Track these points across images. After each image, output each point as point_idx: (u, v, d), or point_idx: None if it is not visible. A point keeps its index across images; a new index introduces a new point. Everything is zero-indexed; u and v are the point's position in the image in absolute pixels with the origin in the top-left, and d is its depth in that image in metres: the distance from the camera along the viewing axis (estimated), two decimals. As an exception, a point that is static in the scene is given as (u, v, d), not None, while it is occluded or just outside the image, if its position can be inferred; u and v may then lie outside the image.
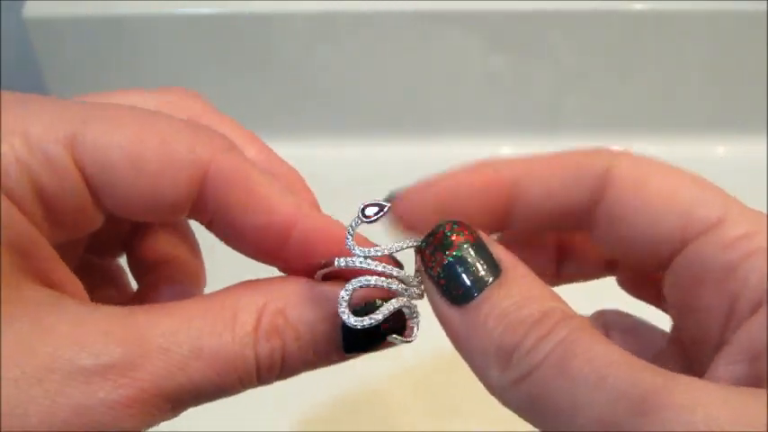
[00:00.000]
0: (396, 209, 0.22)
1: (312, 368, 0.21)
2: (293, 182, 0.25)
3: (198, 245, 0.28)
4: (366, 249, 0.20)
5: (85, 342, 0.17)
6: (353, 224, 0.20)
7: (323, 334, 0.20)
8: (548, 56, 0.53)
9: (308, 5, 0.51)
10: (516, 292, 0.19)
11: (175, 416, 0.19)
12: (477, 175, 0.23)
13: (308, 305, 0.20)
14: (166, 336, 0.18)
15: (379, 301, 0.20)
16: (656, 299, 0.25)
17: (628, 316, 0.26)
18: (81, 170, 0.19)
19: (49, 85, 0.54)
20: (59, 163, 0.19)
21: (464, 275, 0.19)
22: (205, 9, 0.51)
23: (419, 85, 0.55)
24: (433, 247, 0.20)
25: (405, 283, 0.20)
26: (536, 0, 0.51)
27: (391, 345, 0.21)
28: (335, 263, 0.20)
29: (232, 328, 0.19)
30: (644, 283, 0.25)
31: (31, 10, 0.51)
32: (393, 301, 0.20)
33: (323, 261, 0.20)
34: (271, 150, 0.25)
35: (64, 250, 0.20)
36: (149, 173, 0.19)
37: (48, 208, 0.19)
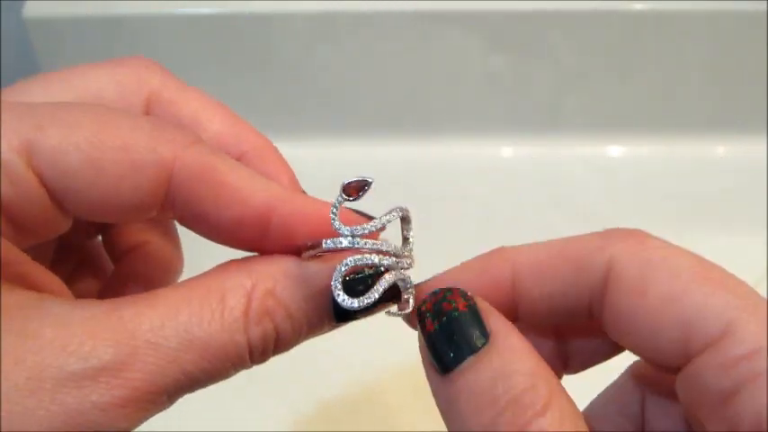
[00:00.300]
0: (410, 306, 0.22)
1: (305, 340, 0.21)
2: (265, 156, 0.24)
3: (174, 226, 0.27)
4: (353, 228, 0.19)
5: (73, 346, 0.17)
6: (336, 203, 0.19)
7: (315, 309, 0.20)
8: (548, 56, 0.53)
9: (308, 5, 0.51)
10: (498, 365, 0.18)
11: (171, 405, 0.19)
12: (485, 274, 0.21)
13: (297, 284, 0.20)
14: (154, 330, 0.18)
15: (367, 271, 0.20)
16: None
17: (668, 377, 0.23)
18: (39, 177, 0.18)
19: (48, 85, 0.54)
20: (15, 171, 0.18)
21: (448, 344, 0.18)
22: (205, 9, 0.51)
23: (419, 85, 0.55)
24: (426, 314, 0.19)
25: (396, 256, 0.20)
26: (536, 0, 0.51)
27: (384, 309, 0.21)
28: (323, 244, 0.19)
29: (221, 314, 0.19)
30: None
31: (31, 10, 0.51)
32: (386, 276, 0.19)
33: (309, 243, 0.20)
34: (237, 119, 0.24)
35: (37, 246, 0.20)
36: (110, 176, 0.19)
37: (9, 217, 0.19)
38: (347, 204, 0.19)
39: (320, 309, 0.20)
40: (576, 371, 0.24)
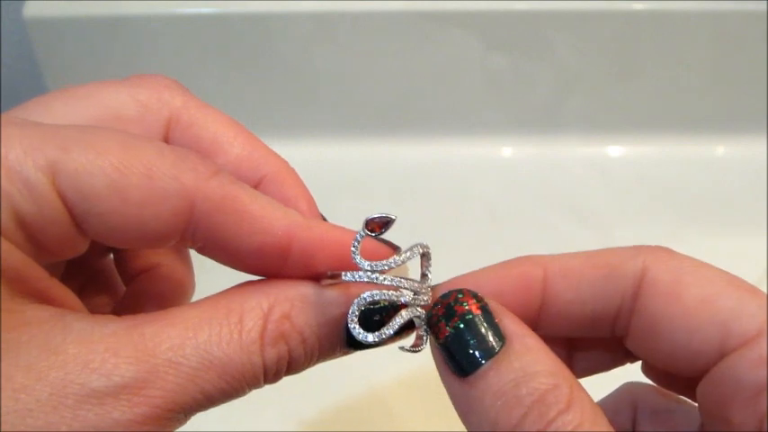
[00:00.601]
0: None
1: (316, 364, 0.21)
2: (284, 181, 0.24)
3: (187, 250, 0.27)
4: (373, 264, 0.19)
5: (95, 363, 0.17)
6: (358, 237, 0.20)
7: (328, 336, 0.20)
8: (548, 56, 0.53)
9: (307, 5, 0.51)
10: (519, 366, 0.18)
11: (186, 422, 0.19)
12: (514, 272, 0.22)
13: (313, 309, 0.20)
14: (175, 349, 0.18)
15: (384, 302, 0.20)
16: (686, 391, 0.23)
17: (663, 395, 0.24)
18: (62, 198, 0.19)
19: (48, 85, 0.54)
20: (40, 190, 0.18)
21: (465, 347, 0.18)
22: (205, 9, 0.51)
23: (419, 85, 0.55)
24: (437, 317, 0.19)
25: (414, 292, 0.20)
26: (536, 0, 0.51)
27: (397, 341, 0.21)
28: (342, 277, 0.20)
29: (239, 335, 0.19)
30: (674, 379, 0.23)
31: (31, 10, 0.51)
32: (403, 312, 0.20)
33: (329, 273, 0.20)
34: (257, 142, 0.24)
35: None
36: (133, 203, 0.19)
37: (29, 234, 0.19)
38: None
39: (333, 336, 0.20)
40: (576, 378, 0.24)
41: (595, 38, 0.52)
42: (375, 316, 0.20)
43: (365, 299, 0.19)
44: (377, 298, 0.19)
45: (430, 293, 0.20)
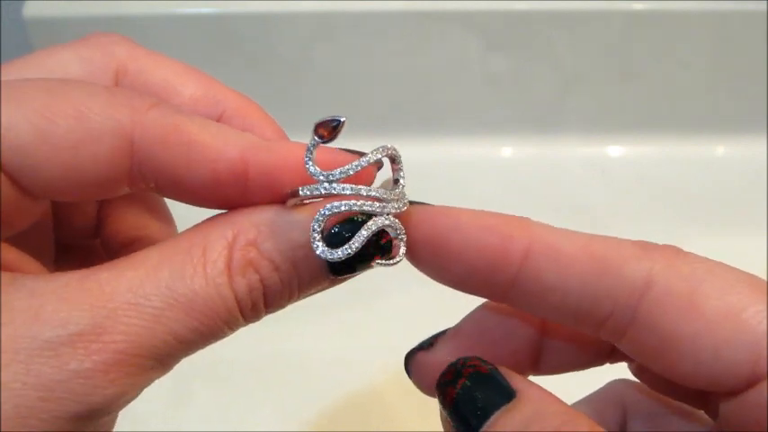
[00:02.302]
0: (419, 366, 0.21)
1: (304, 296, 0.19)
2: (247, 114, 0.22)
3: (171, 217, 0.26)
4: (329, 173, 0.18)
5: (46, 314, 0.16)
6: (310, 147, 0.18)
7: (304, 261, 0.18)
8: (548, 56, 0.53)
9: (307, 5, 0.51)
10: (529, 410, 0.17)
11: (167, 371, 0.18)
12: (496, 231, 0.19)
13: (280, 233, 0.18)
14: (134, 290, 0.17)
15: (359, 217, 0.18)
16: (686, 398, 0.21)
17: (655, 396, 0.22)
18: None
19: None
20: None
21: (473, 404, 0.18)
22: (205, 9, 0.51)
23: (419, 85, 0.55)
24: (445, 382, 0.19)
25: (381, 200, 0.18)
26: (536, 0, 0.51)
27: (378, 260, 0.19)
28: (299, 192, 0.18)
29: (203, 268, 0.17)
30: (675, 387, 0.21)
31: (31, 10, 0.51)
32: (369, 223, 0.18)
33: (289, 191, 0.18)
34: (213, 81, 0.23)
35: (30, 239, 0.19)
36: (65, 148, 0.17)
37: None
38: (332, 145, 0.18)
39: (310, 260, 0.18)
40: (545, 373, 0.22)
41: (595, 38, 0.52)
42: (345, 233, 0.18)
43: (324, 213, 0.17)
44: (337, 210, 0.18)
45: (406, 200, 0.19)
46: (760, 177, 0.53)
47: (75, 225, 0.25)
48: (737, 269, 0.18)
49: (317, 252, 0.17)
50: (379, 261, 0.19)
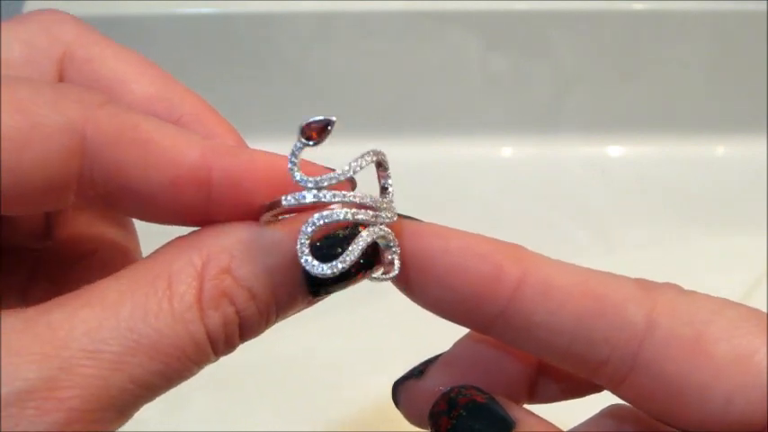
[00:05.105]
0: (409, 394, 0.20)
1: (277, 322, 0.18)
2: (204, 119, 0.20)
3: (131, 222, 0.23)
4: (318, 179, 0.16)
5: None
6: (295, 150, 0.16)
7: (282, 284, 0.17)
8: (548, 56, 0.53)
9: (307, 5, 0.51)
10: None
11: (126, 420, 0.16)
12: (488, 259, 0.18)
13: (257, 255, 0.16)
14: (91, 333, 0.15)
15: (341, 231, 0.16)
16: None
17: (655, 425, 0.20)
18: None
19: (48, 85, 0.54)
20: None
21: None
22: (205, 9, 0.51)
23: (419, 85, 0.55)
24: (439, 413, 0.18)
25: (373, 209, 0.17)
26: (536, 0, 0.51)
27: (367, 276, 0.17)
28: (282, 201, 0.16)
29: (169, 303, 0.15)
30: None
31: (31, 10, 0.51)
32: (363, 234, 0.16)
33: (266, 203, 0.16)
34: (169, 79, 0.20)
35: None
36: (8, 150, 0.15)
37: None
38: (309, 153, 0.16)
39: (289, 282, 0.17)
40: (541, 402, 0.21)
41: (595, 38, 0.52)
42: (333, 250, 0.16)
43: (313, 223, 0.16)
44: (327, 221, 0.16)
45: (394, 210, 0.17)
46: (760, 177, 0.53)
47: (20, 226, 0.22)
48: (742, 305, 0.17)
49: (307, 267, 0.16)
50: (375, 276, 0.17)
